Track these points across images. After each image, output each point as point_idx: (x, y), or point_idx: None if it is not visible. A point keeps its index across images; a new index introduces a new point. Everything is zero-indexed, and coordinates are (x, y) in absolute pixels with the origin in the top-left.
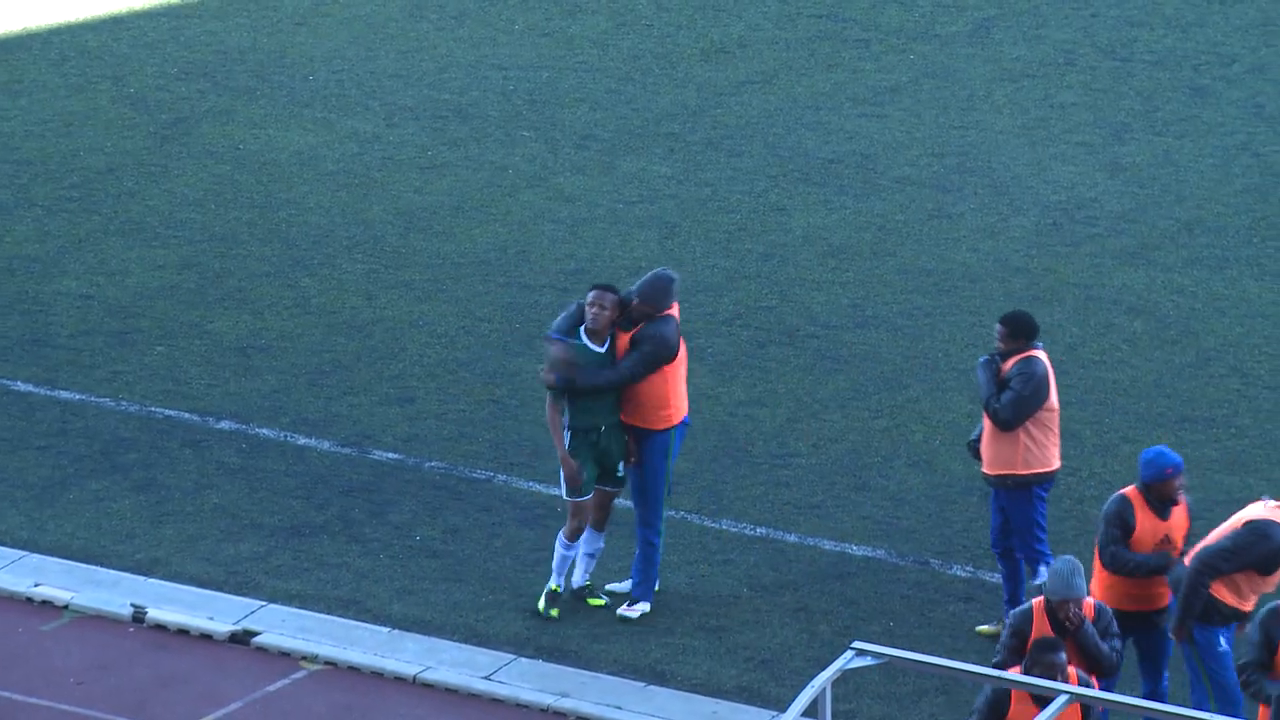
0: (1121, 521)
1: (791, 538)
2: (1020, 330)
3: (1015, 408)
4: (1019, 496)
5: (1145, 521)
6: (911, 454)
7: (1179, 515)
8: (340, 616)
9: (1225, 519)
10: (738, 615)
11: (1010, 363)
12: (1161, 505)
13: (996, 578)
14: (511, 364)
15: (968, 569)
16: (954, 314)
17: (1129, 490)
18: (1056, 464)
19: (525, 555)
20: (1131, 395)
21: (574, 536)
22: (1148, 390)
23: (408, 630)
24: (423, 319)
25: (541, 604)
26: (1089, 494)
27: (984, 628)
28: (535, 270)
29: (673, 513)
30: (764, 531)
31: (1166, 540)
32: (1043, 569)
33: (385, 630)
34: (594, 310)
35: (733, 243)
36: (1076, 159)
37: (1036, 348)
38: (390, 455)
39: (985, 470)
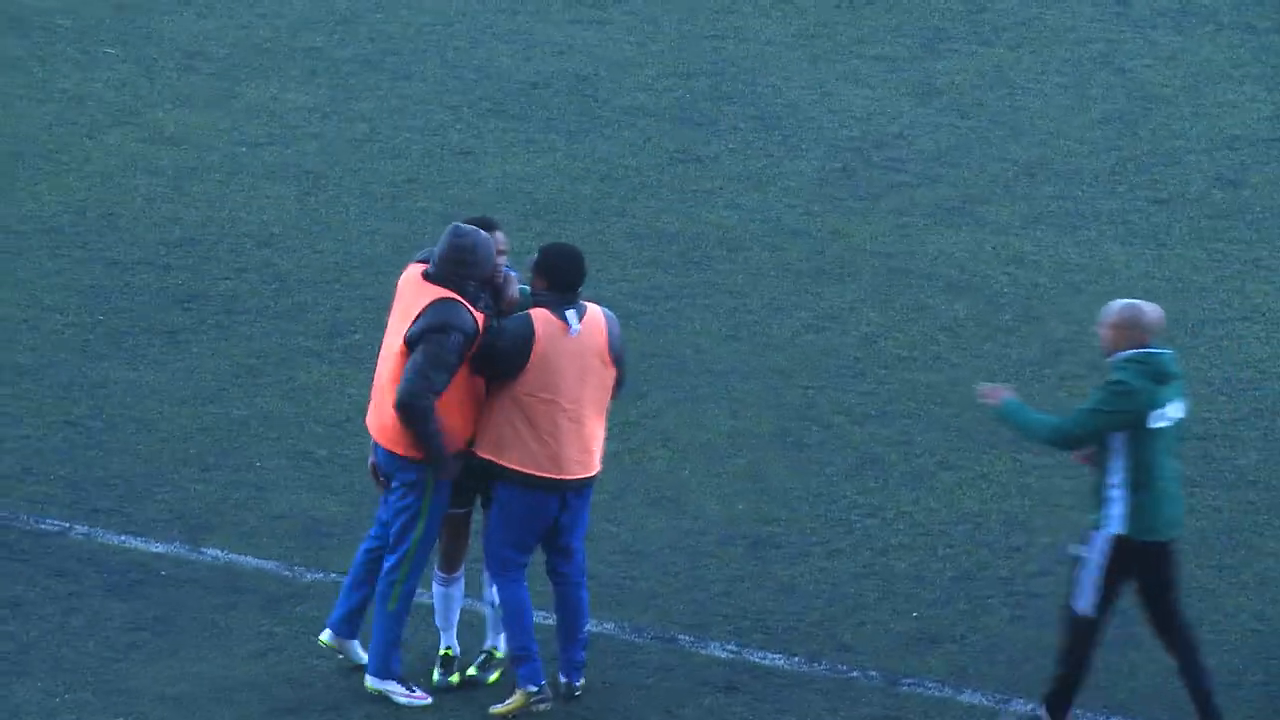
0: None
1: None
2: (547, 270)
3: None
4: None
5: None
6: (651, 488)
7: None
8: None
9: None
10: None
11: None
12: None
13: (770, 659)
14: (95, 371)
15: (730, 648)
16: (707, 295)
17: None
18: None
19: (116, 637)
20: (951, 404)
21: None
22: (974, 397)
23: None
24: None
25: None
26: (894, 542)
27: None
28: (126, 240)
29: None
30: None
31: None
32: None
33: None
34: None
35: (400, 200)
36: (873, 79)
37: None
38: None
39: None
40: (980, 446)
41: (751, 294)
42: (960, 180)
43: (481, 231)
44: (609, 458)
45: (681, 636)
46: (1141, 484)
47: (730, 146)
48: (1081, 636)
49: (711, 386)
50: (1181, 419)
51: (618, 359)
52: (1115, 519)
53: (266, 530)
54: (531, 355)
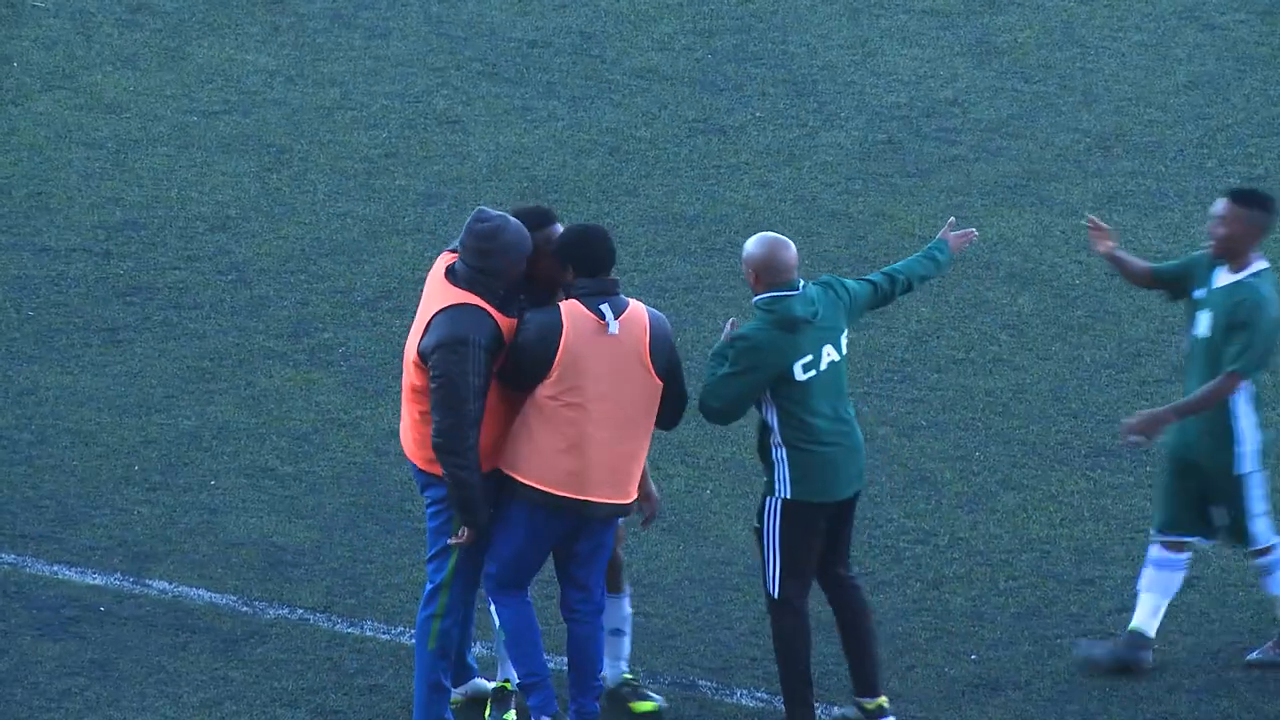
0: None
1: (478, 648)
2: (569, 255)
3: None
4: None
5: None
6: (667, 511)
7: None
8: None
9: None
10: None
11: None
12: None
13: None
14: (23, 375)
15: (759, 695)
16: (731, 287)
17: None
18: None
19: (47, 683)
20: (1015, 415)
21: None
22: (1041, 405)
23: None
24: None
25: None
26: (949, 573)
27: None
28: (59, 224)
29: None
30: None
31: None
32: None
33: None
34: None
35: (376, 177)
36: (924, 37)
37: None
38: None
39: None
40: (1048, 463)
41: None
42: (1024, 154)
43: (511, 220)
44: None
45: (703, 683)
46: (801, 441)
47: (758, 115)
48: (784, 623)
49: None
50: (840, 359)
51: (666, 370)
52: (781, 482)
53: (221, 560)
54: (559, 353)
